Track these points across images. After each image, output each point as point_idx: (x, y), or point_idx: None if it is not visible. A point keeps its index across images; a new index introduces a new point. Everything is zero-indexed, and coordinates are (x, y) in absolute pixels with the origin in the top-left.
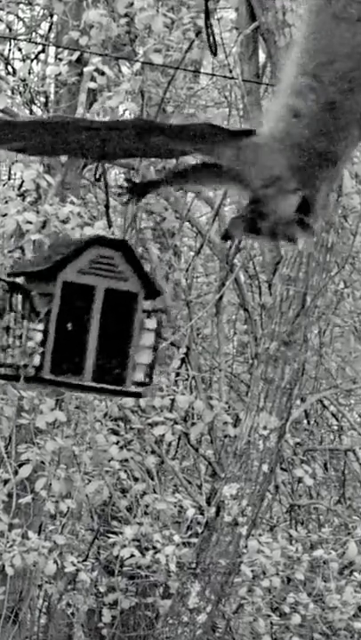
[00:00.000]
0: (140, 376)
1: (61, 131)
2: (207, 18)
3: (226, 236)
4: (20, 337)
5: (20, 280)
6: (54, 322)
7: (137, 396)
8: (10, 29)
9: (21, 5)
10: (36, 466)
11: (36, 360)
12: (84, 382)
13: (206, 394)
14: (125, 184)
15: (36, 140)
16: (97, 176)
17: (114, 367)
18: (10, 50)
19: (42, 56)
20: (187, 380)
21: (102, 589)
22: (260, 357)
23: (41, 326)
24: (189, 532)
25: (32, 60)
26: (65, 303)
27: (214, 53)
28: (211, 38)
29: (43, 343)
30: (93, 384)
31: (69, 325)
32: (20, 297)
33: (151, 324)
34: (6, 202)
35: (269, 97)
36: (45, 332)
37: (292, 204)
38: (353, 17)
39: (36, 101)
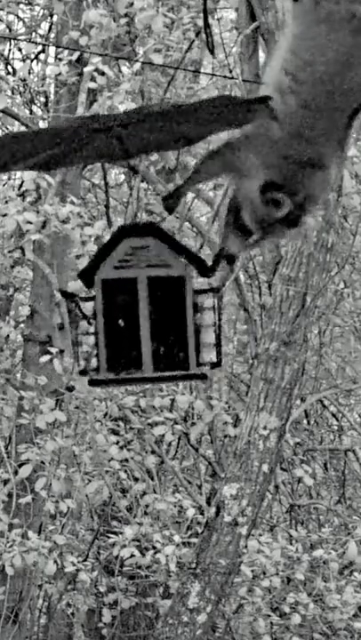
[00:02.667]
0: (210, 356)
1: (76, 140)
2: (205, 18)
3: (219, 256)
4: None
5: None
6: (102, 322)
7: (203, 377)
8: (10, 29)
9: (21, 5)
10: (36, 466)
11: (94, 363)
12: (145, 375)
13: (206, 394)
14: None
15: (51, 155)
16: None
17: (175, 353)
18: (10, 50)
19: (42, 56)
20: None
21: (102, 589)
22: (260, 357)
23: (91, 329)
24: (189, 532)
25: (32, 60)
26: (110, 301)
27: (212, 53)
28: (209, 38)
29: (96, 345)
30: (155, 374)
31: (120, 322)
32: (72, 305)
33: (208, 302)
34: (6, 202)
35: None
36: (95, 334)
37: (281, 210)
38: (337, 23)
39: (36, 101)
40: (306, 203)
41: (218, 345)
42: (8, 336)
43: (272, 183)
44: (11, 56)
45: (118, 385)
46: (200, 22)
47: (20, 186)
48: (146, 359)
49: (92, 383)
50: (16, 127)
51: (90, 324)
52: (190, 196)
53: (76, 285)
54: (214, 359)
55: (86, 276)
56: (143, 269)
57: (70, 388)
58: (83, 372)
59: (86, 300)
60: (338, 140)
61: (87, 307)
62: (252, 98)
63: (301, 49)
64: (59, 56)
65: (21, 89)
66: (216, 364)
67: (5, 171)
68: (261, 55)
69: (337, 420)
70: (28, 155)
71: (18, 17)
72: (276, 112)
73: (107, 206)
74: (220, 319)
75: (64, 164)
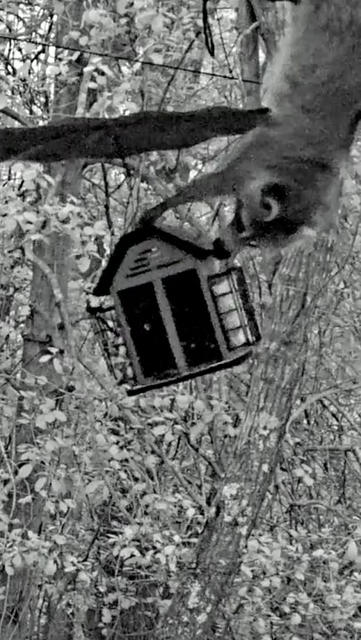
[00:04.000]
0: (240, 339)
1: (74, 134)
2: (205, 17)
3: (219, 249)
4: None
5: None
6: (128, 332)
7: (237, 363)
8: (10, 29)
9: (21, 5)
10: (36, 466)
11: (130, 372)
12: (181, 374)
13: (206, 394)
14: (137, 223)
15: (49, 147)
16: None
17: (205, 346)
18: (10, 50)
19: (42, 56)
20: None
21: (102, 589)
22: (260, 357)
23: (119, 340)
24: (189, 532)
25: (32, 60)
26: (131, 310)
27: (212, 53)
28: (209, 38)
29: (127, 355)
30: (191, 371)
31: (146, 327)
32: (97, 319)
33: (223, 287)
34: (6, 202)
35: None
36: (124, 344)
37: (272, 213)
38: (337, 29)
39: (36, 101)
40: (311, 207)
41: (248, 323)
42: (8, 336)
43: (275, 186)
44: (11, 56)
45: (155, 389)
46: (200, 22)
47: (20, 186)
48: (178, 358)
49: (131, 393)
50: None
51: (117, 335)
52: None
53: (75, 285)
54: (244, 339)
55: (101, 291)
56: (155, 272)
57: (70, 388)
58: (121, 383)
59: (106, 310)
60: (342, 142)
61: (106, 318)
62: (252, 110)
63: (303, 54)
64: (59, 56)
65: (21, 89)
66: (250, 343)
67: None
68: (261, 55)
69: (337, 420)
70: (24, 147)
71: (18, 17)
72: (275, 118)
73: (107, 206)
74: (244, 297)
75: (60, 157)
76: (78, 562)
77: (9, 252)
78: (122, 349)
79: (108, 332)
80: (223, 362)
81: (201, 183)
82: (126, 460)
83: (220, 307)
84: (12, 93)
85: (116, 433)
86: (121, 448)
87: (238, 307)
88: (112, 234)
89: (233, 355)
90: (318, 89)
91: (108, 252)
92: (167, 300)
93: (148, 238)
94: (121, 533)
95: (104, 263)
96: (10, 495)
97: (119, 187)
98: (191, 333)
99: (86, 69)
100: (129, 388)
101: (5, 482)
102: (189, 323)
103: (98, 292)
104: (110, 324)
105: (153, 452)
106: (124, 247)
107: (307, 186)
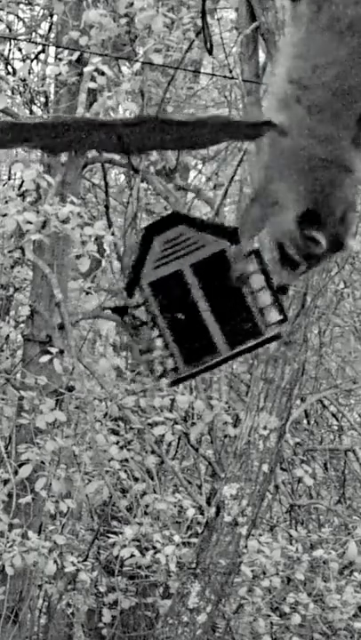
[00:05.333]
0: (273, 316)
1: (76, 133)
2: (204, 16)
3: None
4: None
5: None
6: (163, 322)
7: (277, 337)
8: (10, 29)
9: (21, 5)
10: (36, 466)
11: (170, 363)
12: (223, 356)
13: (206, 394)
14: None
15: (50, 140)
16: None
17: (243, 326)
18: (10, 50)
19: (42, 56)
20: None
21: (102, 589)
22: (260, 357)
23: (155, 332)
24: (189, 532)
25: (32, 60)
26: (164, 299)
27: (210, 53)
28: (208, 38)
29: (166, 346)
30: (232, 352)
31: (180, 315)
32: (128, 317)
33: (251, 266)
34: (6, 202)
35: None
36: (161, 336)
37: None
38: (339, 28)
39: (36, 101)
40: (346, 215)
41: (277, 301)
42: (8, 336)
43: (308, 212)
44: (11, 56)
45: (198, 375)
46: (200, 22)
47: (20, 186)
48: (218, 342)
49: (174, 383)
50: None
51: (152, 328)
52: (190, 195)
53: (75, 285)
54: (277, 317)
55: (132, 286)
56: (183, 259)
57: (70, 388)
58: (161, 377)
59: (135, 307)
60: (351, 140)
61: (138, 314)
62: (257, 122)
63: (305, 55)
64: (59, 56)
65: (21, 89)
66: (284, 319)
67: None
68: (261, 55)
69: (337, 420)
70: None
71: (18, 17)
72: (283, 126)
73: (107, 206)
74: (267, 277)
75: (60, 151)
76: (78, 562)
77: (9, 251)
78: (158, 342)
79: (143, 328)
80: (262, 338)
81: (246, 218)
82: (126, 460)
83: (251, 286)
84: (12, 93)
85: (116, 433)
86: (121, 448)
87: (266, 285)
88: (112, 234)
89: (270, 331)
90: (323, 89)
91: (107, 251)
92: (199, 285)
93: (172, 227)
94: (121, 533)
95: (104, 263)
96: (10, 495)
97: (125, 188)
98: (226, 315)
99: (86, 69)
100: (170, 380)
101: (5, 482)
102: (223, 305)
103: (130, 287)
104: (142, 319)
105: (153, 451)
106: (150, 238)
107: (335, 190)
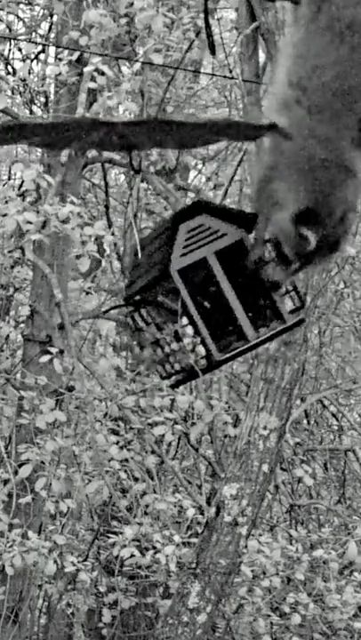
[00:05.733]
0: (289, 304)
1: (76, 132)
2: (206, 17)
3: (274, 284)
4: (174, 341)
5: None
6: (194, 309)
7: (301, 323)
8: (10, 29)
9: (21, 5)
10: (36, 466)
11: (201, 350)
12: (252, 342)
13: (206, 394)
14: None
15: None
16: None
17: (267, 312)
18: (10, 50)
19: (42, 56)
20: None
21: (102, 589)
22: (260, 357)
23: (185, 320)
24: (189, 532)
25: (32, 60)
26: (190, 287)
27: (213, 52)
28: (210, 38)
29: (197, 333)
30: (261, 338)
31: (206, 304)
32: (150, 308)
33: (267, 254)
34: (6, 202)
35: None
36: (193, 323)
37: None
38: (339, 29)
39: (36, 101)
40: (346, 216)
41: (294, 290)
42: (8, 336)
43: (305, 211)
44: (11, 56)
45: (229, 362)
46: (200, 22)
47: (20, 186)
48: (246, 328)
49: (206, 370)
50: None
51: (182, 315)
52: (190, 195)
53: (75, 285)
54: (295, 304)
55: (164, 274)
56: (207, 247)
57: (70, 388)
58: (195, 362)
59: (167, 294)
60: (351, 141)
61: (171, 301)
62: (259, 124)
63: (305, 56)
64: (59, 56)
65: (21, 89)
66: (299, 308)
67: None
68: (261, 55)
69: (337, 420)
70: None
71: (18, 17)
72: (285, 128)
73: (107, 206)
74: (288, 263)
75: (59, 148)
76: (78, 562)
77: (9, 251)
78: (188, 330)
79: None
80: (285, 325)
81: (258, 206)
82: (126, 460)
83: (268, 274)
84: (12, 93)
85: (116, 433)
86: (121, 448)
87: (283, 272)
88: (112, 234)
89: (291, 318)
90: (324, 90)
91: (107, 251)
92: (224, 273)
93: (196, 216)
94: (121, 533)
95: (104, 263)
96: (10, 495)
97: (123, 191)
98: (250, 302)
99: (86, 69)
100: (203, 365)
101: (5, 482)
102: (246, 292)
103: (161, 276)
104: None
105: (153, 451)
106: (176, 226)
107: (336, 191)
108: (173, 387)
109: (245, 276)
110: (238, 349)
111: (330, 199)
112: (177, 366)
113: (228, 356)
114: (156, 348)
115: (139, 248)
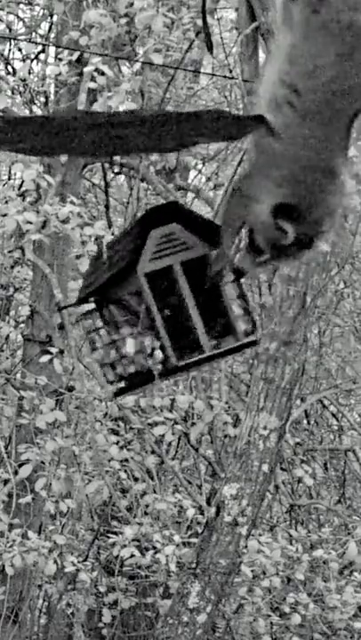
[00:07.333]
0: (245, 326)
1: (69, 131)
2: (204, 16)
3: (238, 271)
4: (131, 343)
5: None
6: (157, 313)
7: (254, 344)
8: (10, 29)
9: (21, 5)
10: (36, 466)
11: (159, 355)
12: (207, 354)
13: (206, 394)
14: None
15: (43, 140)
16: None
17: (223, 328)
18: (10, 50)
19: (42, 56)
20: (187, 379)
21: (102, 589)
22: (260, 357)
23: (146, 322)
24: (189, 532)
25: (32, 60)
26: (154, 293)
27: (211, 51)
28: (208, 37)
29: (158, 337)
30: (216, 351)
31: (167, 311)
32: (110, 308)
33: (228, 276)
34: (6, 202)
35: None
36: (154, 327)
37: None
38: (337, 29)
39: (36, 101)
40: (325, 217)
41: (247, 314)
42: (8, 336)
43: (285, 205)
44: (11, 56)
45: (184, 372)
46: (200, 22)
47: (20, 186)
48: (203, 340)
49: (162, 376)
50: None
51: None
52: (190, 195)
53: (75, 285)
54: (248, 327)
55: (128, 272)
56: (175, 256)
57: (70, 388)
58: (151, 366)
59: (131, 295)
60: (339, 144)
61: (133, 303)
62: (246, 115)
63: (300, 57)
64: (59, 56)
65: (21, 89)
66: (252, 332)
67: None
68: (261, 55)
69: (337, 420)
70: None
71: (18, 17)
72: (276, 127)
73: (107, 206)
74: (241, 289)
75: (56, 153)
76: (78, 562)
77: (9, 251)
78: (147, 335)
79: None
80: (242, 343)
81: (226, 206)
82: (126, 460)
83: (227, 294)
84: (12, 93)
85: (116, 433)
86: (121, 448)
87: (240, 296)
88: (112, 234)
89: (246, 337)
90: (318, 92)
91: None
92: (188, 283)
93: (169, 222)
94: (121, 533)
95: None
96: (10, 495)
97: (130, 189)
98: (210, 317)
99: (86, 69)
100: (159, 370)
101: (5, 482)
102: (207, 307)
103: (126, 277)
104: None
105: (153, 451)
106: (146, 229)
107: (317, 194)
108: (116, 395)
109: (208, 291)
110: (194, 359)
111: (311, 200)
112: (129, 369)
113: (185, 363)
114: (110, 350)
115: (105, 249)
